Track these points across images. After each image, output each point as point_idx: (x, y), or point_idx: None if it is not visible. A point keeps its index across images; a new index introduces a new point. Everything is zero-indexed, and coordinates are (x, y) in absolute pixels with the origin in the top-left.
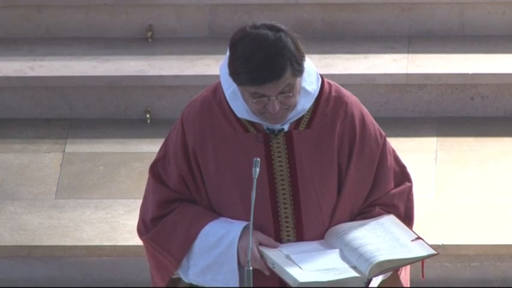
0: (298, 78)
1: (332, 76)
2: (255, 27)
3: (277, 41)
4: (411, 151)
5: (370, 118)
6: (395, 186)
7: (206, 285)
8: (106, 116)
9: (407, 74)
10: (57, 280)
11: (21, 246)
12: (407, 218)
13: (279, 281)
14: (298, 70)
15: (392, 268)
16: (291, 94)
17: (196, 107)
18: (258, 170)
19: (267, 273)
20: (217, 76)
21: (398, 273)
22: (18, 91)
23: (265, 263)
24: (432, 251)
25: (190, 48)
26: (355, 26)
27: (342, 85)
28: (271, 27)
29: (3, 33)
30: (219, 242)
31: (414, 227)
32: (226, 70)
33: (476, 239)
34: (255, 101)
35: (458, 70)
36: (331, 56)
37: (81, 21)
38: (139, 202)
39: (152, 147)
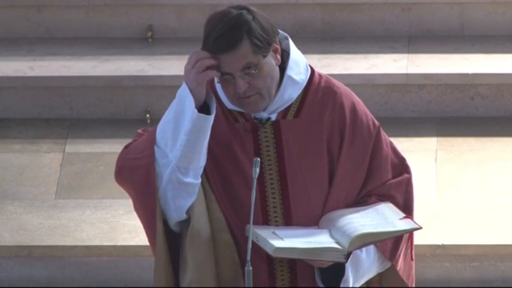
0: (266, 60)
1: (332, 76)
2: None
3: (236, 16)
4: (411, 151)
5: (362, 108)
6: (394, 178)
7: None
8: (106, 116)
9: (407, 74)
10: (57, 280)
11: (21, 246)
12: (406, 209)
13: (288, 281)
14: (261, 48)
15: (374, 241)
16: (254, 72)
17: None
18: (257, 170)
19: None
20: None
21: (395, 263)
22: (18, 91)
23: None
24: (416, 226)
25: (190, 48)
26: (355, 26)
27: None
28: (237, 7)
29: (3, 33)
30: (173, 118)
31: None
32: None
33: (476, 239)
34: (221, 81)
35: (458, 70)
36: (331, 56)
37: (81, 21)
38: None
39: None
